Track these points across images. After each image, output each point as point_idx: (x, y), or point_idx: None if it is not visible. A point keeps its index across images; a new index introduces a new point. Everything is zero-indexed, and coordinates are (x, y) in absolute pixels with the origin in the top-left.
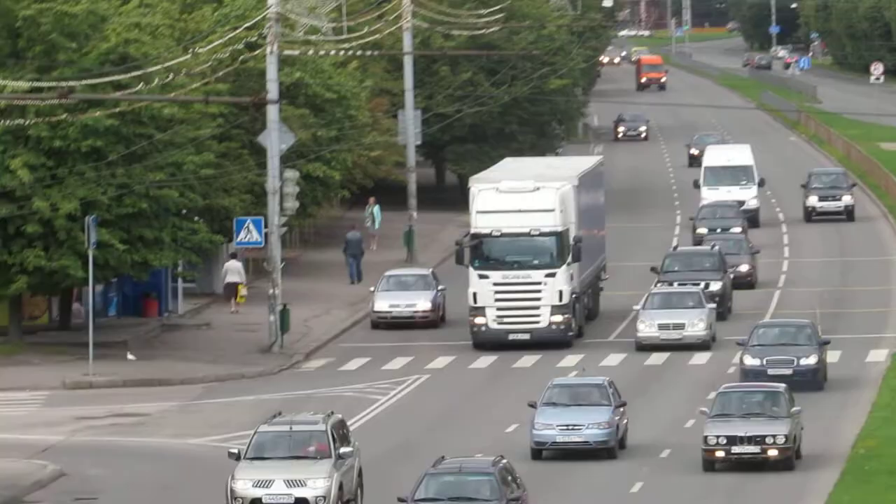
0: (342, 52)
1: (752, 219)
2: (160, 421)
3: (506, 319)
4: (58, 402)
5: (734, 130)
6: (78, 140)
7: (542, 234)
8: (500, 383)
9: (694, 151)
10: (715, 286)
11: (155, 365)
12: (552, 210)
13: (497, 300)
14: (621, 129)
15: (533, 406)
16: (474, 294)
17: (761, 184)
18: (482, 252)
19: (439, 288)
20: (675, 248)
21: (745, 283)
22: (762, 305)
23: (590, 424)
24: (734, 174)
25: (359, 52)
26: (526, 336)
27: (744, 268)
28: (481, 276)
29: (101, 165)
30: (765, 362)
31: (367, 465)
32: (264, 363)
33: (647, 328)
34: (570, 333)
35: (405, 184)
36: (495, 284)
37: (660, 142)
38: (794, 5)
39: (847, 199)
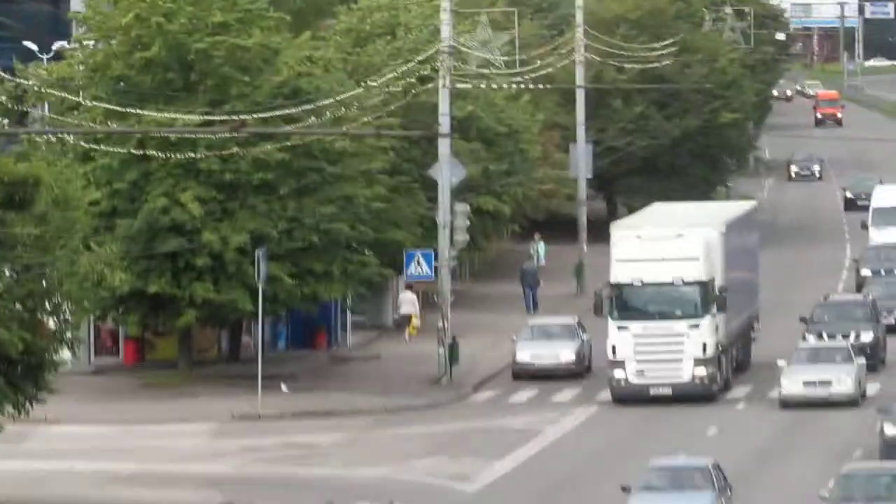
0: (514, 86)
1: None
2: (329, 452)
3: (647, 373)
4: (227, 434)
5: None
6: (249, 173)
7: (685, 284)
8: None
9: (849, 195)
10: (866, 336)
11: (324, 396)
12: (696, 259)
13: (637, 352)
14: (794, 168)
15: (626, 490)
16: (613, 347)
17: None
18: (622, 302)
19: (584, 337)
20: (827, 297)
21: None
22: None
23: None
24: None
25: (531, 86)
26: (668, 391)
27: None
28: (621, 328)
29: (272, 199)
30: None
31: None
32: (433, 395)
33: (792, 384)
34: (716, 387)
35: (575, 217)
36: (635, 336)
37: (832, 180)
38: None
39: None
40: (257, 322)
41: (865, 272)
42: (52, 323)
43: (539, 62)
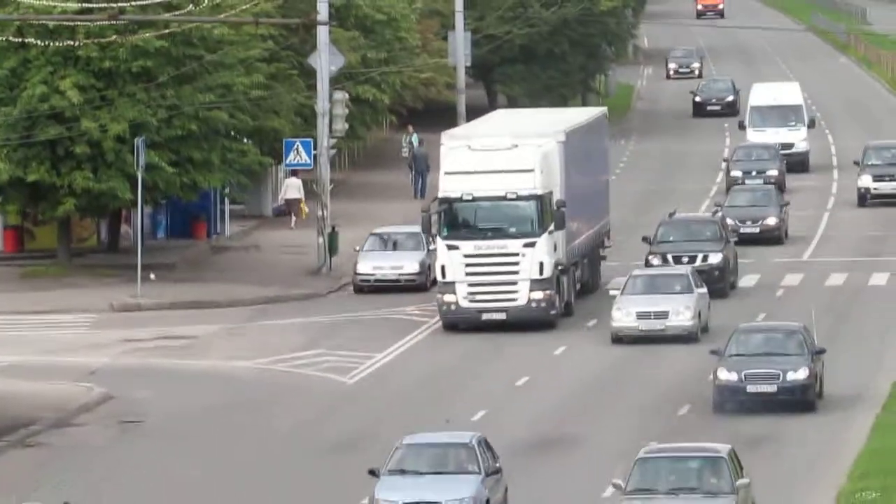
0: None
1: (801, 162)
2: (208, 343)
3: (479, 297)
4: (105, 325)
5: (786, 54)
6: (128, 61)
7: (519, 198)
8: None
9: (698, 99)
10: (714, 258)
11: (203, 287)
12: (531, 171)
13: (468, 274)
14: (672, 66)
15: (374, 475)
16: (442, 267)
17: (811, 125)
18: (451, 219)
19: (431, 248)
20: (673, 214)
21: (773, 237)
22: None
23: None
24: (782, 114)
25: None
26: (501, 316)
27: (771, 221)
28: (450, 247)
29: (151, 87)
30: (743, 377)
31: None
32: (312, 285)
33: (624, 316)
34: (554, 312)
35: (455, 105)
36: (466, 256)
37: (714, 76)
38: None
39: None
40: (136, 211)
41: (736, 173)
42: None
43: None
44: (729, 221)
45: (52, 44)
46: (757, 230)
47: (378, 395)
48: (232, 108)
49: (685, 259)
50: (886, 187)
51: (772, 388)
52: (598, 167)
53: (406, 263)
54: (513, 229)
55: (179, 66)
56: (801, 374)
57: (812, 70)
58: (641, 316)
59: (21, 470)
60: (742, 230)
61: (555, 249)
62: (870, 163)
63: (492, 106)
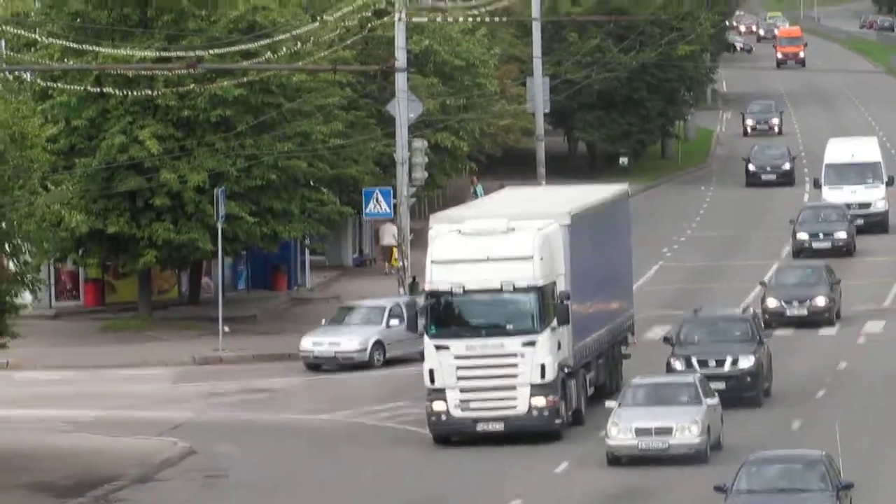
0: (471, 19)
1: (880, 223)
2: (289, 396)
3: (472, 404)
4: (187, 378)
5: (866, 97)
6: (206, 110)
7: (517, 290)
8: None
9: (752, 168)
10: (745, 362)
11: (283, 339)
12: (530, 258)
13: (460, 378)
14: (749, 122)
15: None
16: (430, 371)
17: (890, 182)
18: (440, 315)
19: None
20: (697, 311)
21: (823, 319)
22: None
23: None
24: (860, 171)
25: (487, 19)
26: (499, 426)
27: (820, 301)
28: (439, 348)
29: (230, 136)
30: None
31: None
32: None
33: (621, 433)
34: (559, 421)
35: (534, 152)
36: (457, 358)
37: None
38: None
39: None
40: (217, 262)
41: (802, 236)
42: (11, 265)
43: None
44: (773, 303)
45: (130, 93)
46: (805, 312)
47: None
48: (311, 156)
49: (712, 363)
50: None
51: None
52: (616, 252)
53: (344, 340)
54: (510, 326)
55: (258, 114)
56: None
57: (891, 113)
58: (641, 433)
59: None
60: (789, 312)
61: (559, 348)
62: None
63: (571, 152)
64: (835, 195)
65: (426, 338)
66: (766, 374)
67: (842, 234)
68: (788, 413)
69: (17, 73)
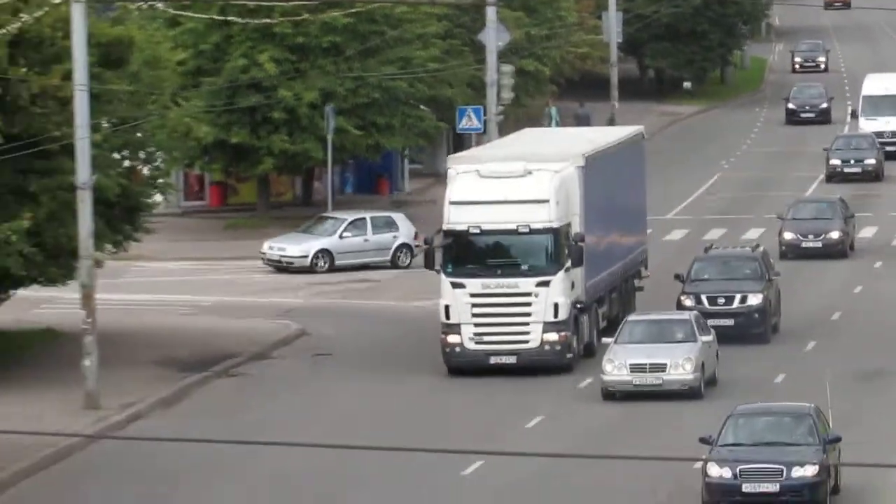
0: None
1: None
2: (387, 286)
3: (486, 339)
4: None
5: None
6: (318, 37)
7: (532, 232)
8: None
9: (791, 106)
10: (754, 299)
11: None
12: (546, 201)
13: (475, 315)
14: (797, 59)
15: None
16: (446, 307)
17: None
18: (456, 254)
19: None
20: (709, 248)
21: (837, 251)
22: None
23: None
24: (894, 103)
25: None
26: (511, 359)
27: (834, 234)
28: (455, 286)
29: (339, 60)
30: (738, 474)
31: None
32: None
33: (616, 369)
34: (570, 355)
35: (608, 77)
36: (473, 296)
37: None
38: None
39: None
40: (327, 169)
41: (835, 162)
42: (146, 170)
43: None
44: (789, 236)
45: (251, 22)
46: (819, 244)
47: None
48: (411, 78)
49: (721, 300)
50: None
51: (774, 488)
52: (631, 191)
53: (290, 246)
54: (525, 266)
55: (364, 41)
56: (808, 471)
57: None
58: (636, 369)
59: (226, 396)
60: (804, 244)
61: (572, 287)
62: None
63: (641, 77)
64: (871, 125)
65: (442, 275)
66: (775, 311)
67: (871, 161)
68: (804, 335)
69: (150, 2)
